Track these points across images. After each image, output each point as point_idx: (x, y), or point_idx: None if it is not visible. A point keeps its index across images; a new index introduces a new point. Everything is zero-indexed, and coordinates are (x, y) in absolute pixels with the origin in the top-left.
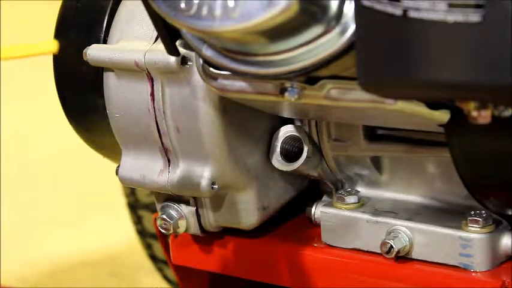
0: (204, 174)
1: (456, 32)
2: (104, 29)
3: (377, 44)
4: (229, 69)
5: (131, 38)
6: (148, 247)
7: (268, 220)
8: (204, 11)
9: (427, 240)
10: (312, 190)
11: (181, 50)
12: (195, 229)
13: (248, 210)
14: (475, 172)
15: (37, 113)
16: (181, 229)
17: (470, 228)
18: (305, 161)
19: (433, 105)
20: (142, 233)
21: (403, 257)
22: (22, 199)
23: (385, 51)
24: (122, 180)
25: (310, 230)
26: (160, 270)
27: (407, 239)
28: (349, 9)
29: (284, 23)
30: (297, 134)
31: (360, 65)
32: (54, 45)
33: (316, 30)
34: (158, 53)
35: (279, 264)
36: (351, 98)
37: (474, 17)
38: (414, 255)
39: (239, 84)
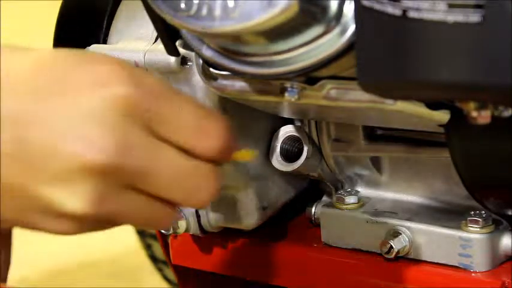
0: None
1: (456, 32)
2: (103, 29)
3: (377, 44)
4: (229, 69)
5: (131, 38)
6: (148, 247)
7: (268, 220)
8: (204, 11)
9: (427, 240)
10: (312, 190)
11: (181, 50)
12: (194, 229)
13: (248, 211)
14: (475, 172)
15: None
16: (181, 229)
17: (470, 228)
18: (305, 161)
19: (433, 106)
20: (142, 233)
21: (403, 257)
22: None
23: (385, 52)
24: None
25: (310, 230)
26: (160, 270)
27: (407, 239)
28: (349, 9)
29: (284, 23)
30: (297, 134)
31: (359, 65)
32: None
33: (316, 30)
34: (158, 53)
35: (278, 264)
36: (351, 98)
37: (474, 17)
38: (414, 256)
39: (239, 84)
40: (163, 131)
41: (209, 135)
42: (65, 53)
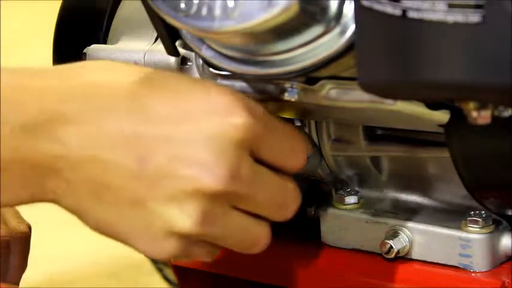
0: None
1: (456, 32)
2: (103, 29)
3: (377, 44)
4: (229, 69)
5: (131, 38)
6: None
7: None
8: (204, 11)
9: (427, 240)
10: (312, 190)
11: (181, 50)
12: None
13: None
14: (475, 172)
15: None
16: None
17: (469, 228)
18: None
19: (433, 106)
20: None
21: (402, 257)
22: None
23: (384, 52)
24: None
25: (310, 230)
26: (160, 270)
27: (407, 239)
28: (349, 9)
29: (284, 23)
30: None
31: (359, 65)
32: None
33: (316, 30)
34: (158, 53)
35: (278, 264)
36: (351, 98)
37: (474, 17)
38: (414, 256)
39: (239, 84)
40: (264, 154)
41: (298, 153)
42: (181, 79)
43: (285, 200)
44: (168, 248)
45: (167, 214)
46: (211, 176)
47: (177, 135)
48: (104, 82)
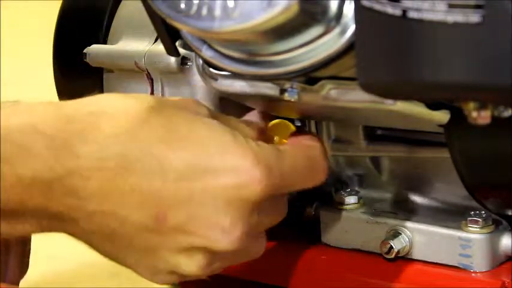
0: None
1: (456, 32)
2: (103, 29)
3: (377, 44)
4: (228, 69)
5: (131, 38)
6: None
7: None
8: (204, 11)
9: (427, 240)
10: (312, 190)
11: (181, 51)
12: None
13: None
14: (475, 172)
15: None
16: None
17: (469, 228)
18: None
19: (433, 106)
20: None
21: (402, 257)
22: None
23: (385, 52)
24: None
25: (310, 230)
26: None
27: (407, 239)
28: (349, 9)
29: (284, 23)
30: None
31: (359, 65)
32: None
33: (316, 30)
34: (158, 53)
35: (278, 264)
36: (351, 98)
37: (474, 17)
38: (414, 256)
39: (239, 84)
40: (282, 192)
41: (320, 172)
42: (196, 128)
43: (283, 215)
44: (168, 280)
45: (175, 261)
46: (226, 238)
47: (195, 194)
48: (119, 135)
